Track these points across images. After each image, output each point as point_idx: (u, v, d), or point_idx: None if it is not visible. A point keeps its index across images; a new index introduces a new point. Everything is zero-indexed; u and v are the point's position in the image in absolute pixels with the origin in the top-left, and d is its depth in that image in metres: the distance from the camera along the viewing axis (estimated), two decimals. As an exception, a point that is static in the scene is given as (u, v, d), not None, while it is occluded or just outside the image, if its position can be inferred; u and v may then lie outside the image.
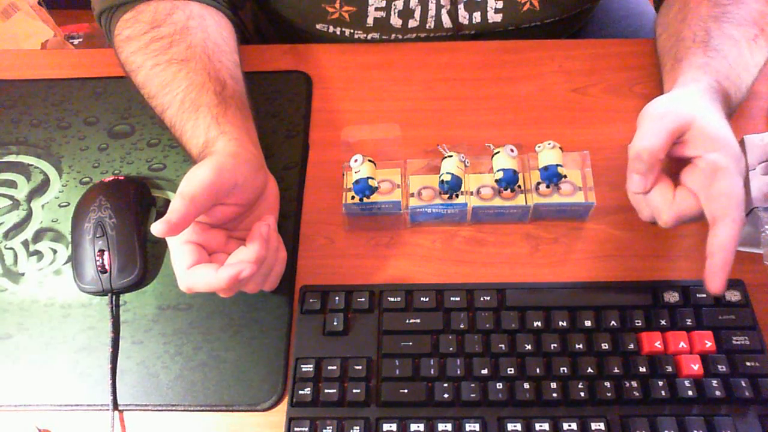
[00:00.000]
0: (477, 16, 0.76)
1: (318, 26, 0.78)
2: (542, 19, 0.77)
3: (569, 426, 0.53)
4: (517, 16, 0.76)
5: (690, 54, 0.60)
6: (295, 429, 0.54)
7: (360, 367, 0.56)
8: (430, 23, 0.76)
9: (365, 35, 0.78)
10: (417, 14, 0.75)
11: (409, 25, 0.76)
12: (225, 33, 0.68)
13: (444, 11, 0.75)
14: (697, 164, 0.52)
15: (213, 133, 0.58)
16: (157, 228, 0.50)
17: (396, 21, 0.76)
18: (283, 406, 0.56)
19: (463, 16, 0.75)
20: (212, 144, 0.57)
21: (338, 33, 0.78)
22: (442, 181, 0.62)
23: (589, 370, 0.55)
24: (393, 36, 0.78)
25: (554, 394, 0.54)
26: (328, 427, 0.54)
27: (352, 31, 0.77)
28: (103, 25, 0.70)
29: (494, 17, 0.76)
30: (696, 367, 0.55)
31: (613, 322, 0.57)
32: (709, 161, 0.51)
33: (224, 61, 0.64)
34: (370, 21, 0.76)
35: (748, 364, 0.55)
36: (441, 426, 0.54)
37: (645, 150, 0.51)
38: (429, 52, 0.77)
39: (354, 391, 0.55)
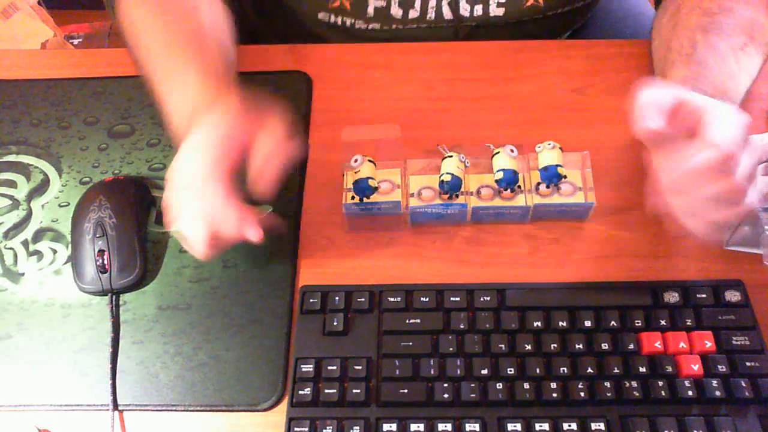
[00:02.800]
0: (478, 9, 0.76)
1: (320, 15, 0.78)
2: (544, 12, 0.77)
3: (569, 426, 0.53)
4: (520, 11, 0.76)
5: (674, 68, 0.61)
6: (295, 429, 0.54)
7: (360, 367, 0.56)
8: (431, 14, 0.76)
9: (366, 25, 0.78)
10: (417, 5, 0.75)
11: (410, 16, 0.76)
12: (222, 17, 0.68)
13: (445, 3, 0.75)
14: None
15: (224, 87, 0.57)
16: None
17: (396, 11, 0.76)
18: (283, 406, 0.56)
19: (464, 8, 0.76)
20: (225, 94, 0.56)
21: (339, 22, 0.78)
22: (442, 181, 0.62)
23: (589, 370, 0.55)
24: (394, 26, 0.78)
25: (554, 394, 0.54)
26: (328, 427, 0.54)
27: (352, 21, 0.77)
28: None
29: (496, 11, 0.76)
30: (696, 368, 0.55)
31: (613, 323, 0.57)
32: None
33: (225, 41, 0.64)
34: (370, 11, 0.76)
35: (748, 364, 0.55)
36: (441, 426, 0.54)
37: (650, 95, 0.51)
38: (429, 52, 0.77)
39: (354, 391, 0.55)
